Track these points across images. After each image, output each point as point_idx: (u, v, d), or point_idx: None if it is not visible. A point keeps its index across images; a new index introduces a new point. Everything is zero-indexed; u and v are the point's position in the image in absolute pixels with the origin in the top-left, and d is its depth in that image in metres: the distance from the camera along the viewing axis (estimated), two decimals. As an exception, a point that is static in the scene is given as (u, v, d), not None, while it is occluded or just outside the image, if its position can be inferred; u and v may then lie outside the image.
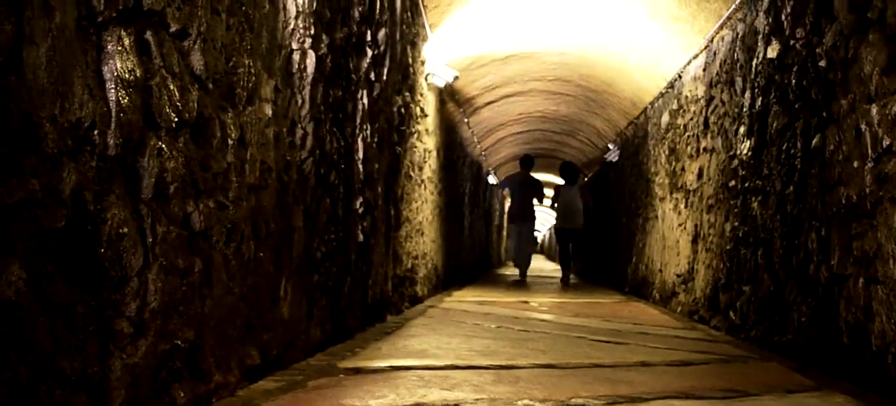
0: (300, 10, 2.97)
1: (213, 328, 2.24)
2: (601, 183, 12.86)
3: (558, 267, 11.32)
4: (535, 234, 15.81)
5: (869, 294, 3.05)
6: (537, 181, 11.69)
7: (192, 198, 2.07)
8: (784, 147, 4.08)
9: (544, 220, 32.28)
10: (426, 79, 6.50)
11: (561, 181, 11.84)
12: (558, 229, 11.65)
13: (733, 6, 5.09)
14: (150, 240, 1.86)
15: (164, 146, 1.91)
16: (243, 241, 2.45)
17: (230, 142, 2.33)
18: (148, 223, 1.85)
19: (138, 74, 1.79)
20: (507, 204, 14.67)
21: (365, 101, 4.18)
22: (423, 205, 6.73)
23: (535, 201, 11.66)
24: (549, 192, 16.48)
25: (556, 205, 11.65)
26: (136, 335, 1.80)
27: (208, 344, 2.20)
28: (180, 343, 2.02)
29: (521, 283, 10.86)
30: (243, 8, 2.40)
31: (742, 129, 4.85)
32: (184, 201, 2.03)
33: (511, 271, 16.44)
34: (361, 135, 4.13)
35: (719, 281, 5.23)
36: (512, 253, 12.33)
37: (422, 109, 6.37)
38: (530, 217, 11.73)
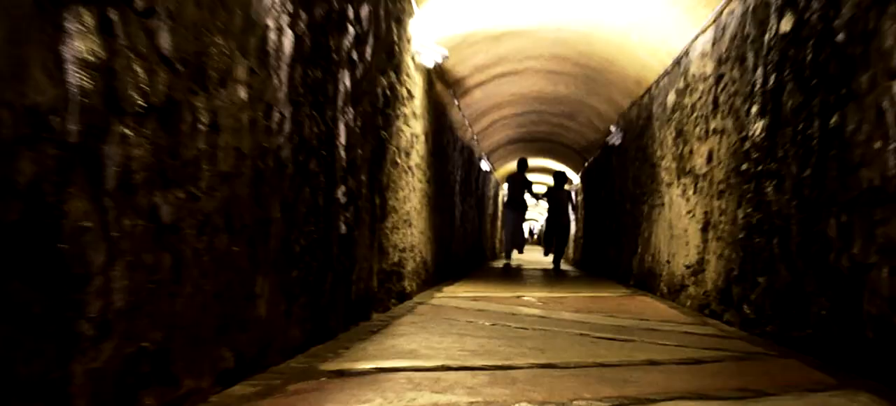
0: (275, -17, 2.95)
1: (184, 329, 2.23)
2: (603, 168, 12.89)
3: (553, 257, 15.34)
4: (526, 224, 18.65)
5: (894, 284, 3.06)
6: (529, 180, 15.23)
7: (159, 188, 2.06)
8: (800, 127, 4.09)
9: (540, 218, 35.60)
10: (413, 58, 6.48)
11: (557, 166, 15.83)
12: (548, 223, 15.36)
13: (744, -25, 5.10)
14: (115, 234, 1.85)
15: (129, 132, 1.90)
16: (216, 234, 2.45)
17: (201, 127, 2.31)
18: (112, 216, 1.84)
19: (101, 55, 1.78)
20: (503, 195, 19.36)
21: (347, 82, 4.17)
22: (411, 193, 6.72)
23: (526, 196, 15.22)
24: (541, 189, 20.94)
25: (548, 202, 15.26)
26: (99, 337, 1.79)
27: (178, 346, 2.20)
28: (148, 345, 2.02)
29: (512, 269, 13.59)
30: (213, -19, 2.38)
31: (754, 109, 4.86)
32: (151, 192, 2.02)
33: (505, 263, 16.51)
34: (343, 119, 4.11)
35: (732, 272, 5.25)
36: (505, 240, 16.23)
37: (408, 91, 6.36)
38: (522, 209, 15.12)
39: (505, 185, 16.65)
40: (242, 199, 2.67)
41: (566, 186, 15.56)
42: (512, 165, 18.84)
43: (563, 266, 17.16)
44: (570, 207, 15.46)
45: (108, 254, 1.81)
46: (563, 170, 16.86)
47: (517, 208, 15.19)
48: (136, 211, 1.94)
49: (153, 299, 2.04)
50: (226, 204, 2.52)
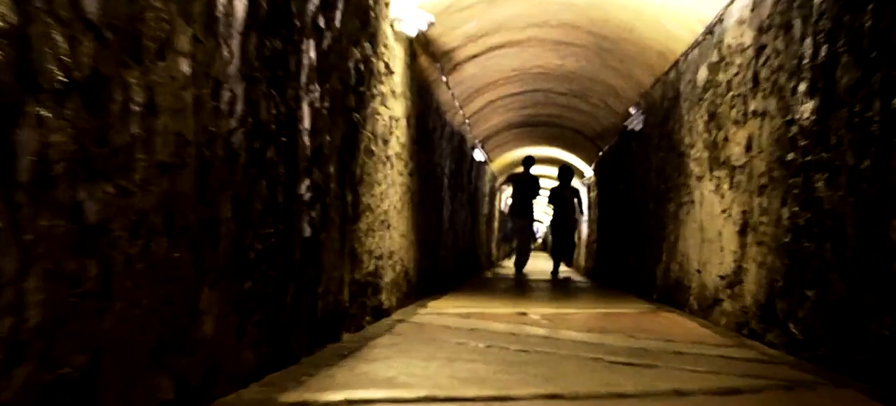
0: (225, -67, 2.95)
1: (114, 352, 2.22)
2: (620, 159, 12.92)
3: (565, 268, 16.45)
4: (535, 228, 19.01)
5: (966, 298, 3.07)
6: (536, 180, 15.99)
7: (84, 181, 2.05)
8: (857, 109, 4.11)
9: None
10: (392, 25, 6.47)
11: (564, 155, 16.53)
12: (553, 227, 16.46)
13: (790, -73, 5.11)
14: (29, 237, 1.84)
15: (47, 114, 1.89)
16: (153, 237, 2.43)
17: (135, 108, 2.30)
18: (26, 215, 1.83)
19: (12, 20, 1.77)
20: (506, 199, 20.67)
21: (312, 54, 4.16)
22: (390, 189, 6.72)
23: (534, 199, 15.93)
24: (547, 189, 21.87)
25: (552, 204, 16.29)
26: (10, 362, 1.78)
27: (107, 372, 2.18)
28: (69, 371, 2.00)
29: (519, 281, 13.90)
30: (149, -70, 2.37)
31: (802, 87, 4.87)
32: (74, 186, 2.01)
33: (504, 273, 16.54)
34: (308, 98, 4.10)
35: (775, 284, 5.27)
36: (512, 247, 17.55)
37: (386, 65, 6.35)
38: (529, 212, 15.88)
39: (507, 188, 17.78)
40: (185, 194, 2.66)
41: (573, 182, 16.19)
42: (511, 156, 18.87)
43: (574, 276, 17.22)
44: (577, 207, 16.09)
45: (20, 261, 1.80)
46: (568, 164, 17.41)
47: (525, 215, 15.86)
48: (55, 209, 1.93)
49: (76, 316, 2.03)
50: (165, 200, 2.51)
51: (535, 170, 16.24)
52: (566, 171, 16.13)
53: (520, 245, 16.38)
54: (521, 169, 16.02)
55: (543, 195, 19.67)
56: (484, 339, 5.10)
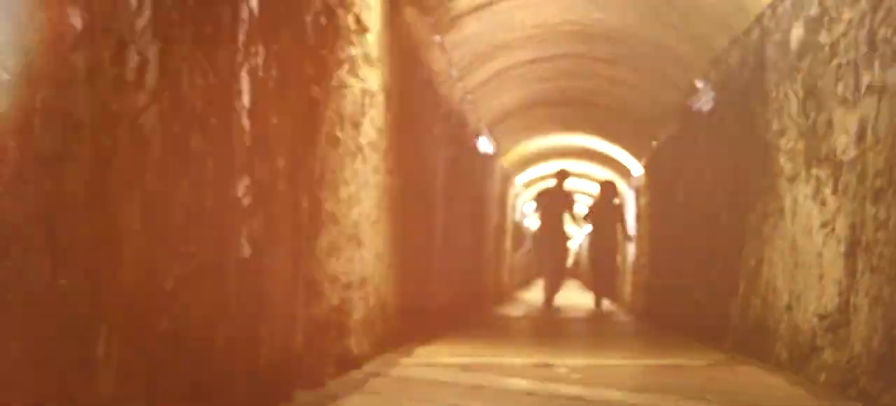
0: None
1: (-26, 419, 2.21)
2: (682, 151, 12.92)
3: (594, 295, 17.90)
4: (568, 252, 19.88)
5: None
6: (572, 198, 18.16)
7: (-69, 178, 2.04)
8: None
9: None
10: (366, -37, 6.49)
11: (604, 146, 17.95)
12: (591, 250, 18.63)
13: None
14: None
15: None
16: (29, 257, 2.42)
17: (4, 76, 2.29)
18: None
19: None
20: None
21: (253, 3, 4.15)
22: (361, 191, 6.71)
23: (567, 217, 17.83)
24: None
25: (591, 222, 18.55)
26: None
27: (-36, 448, 2.17)
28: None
29: (545, 318, 14.81)
30: None
31: (935, 53, 4.87)
32: (-84, 185, 2.00)
33: (518, 311, 16.57)
34: (248, 65, 4.09)
35: None
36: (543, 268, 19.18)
37: (357, 19, 6.35)
38: (561, 234, 17.85)
39: (532, 203, 20.27)
40: (75, 198, 2.64)
41: (616, 200, 17.99)
42: (530, 146, 18.91)
43: (619, 313, 17.34)
44: (620, 226, 17.85)
45: None
46: (611, 178, 19.09)
47: (556, 236, 17.40)
48: None
49: (-81, 368, 2.01)
50: (46, 206, 2.49)
51: (566, 179, 17.22)
52: (609, 188, 17.84)
53: (550, 274, 17.61)
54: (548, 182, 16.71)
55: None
56: (491, 400, 5.09)
